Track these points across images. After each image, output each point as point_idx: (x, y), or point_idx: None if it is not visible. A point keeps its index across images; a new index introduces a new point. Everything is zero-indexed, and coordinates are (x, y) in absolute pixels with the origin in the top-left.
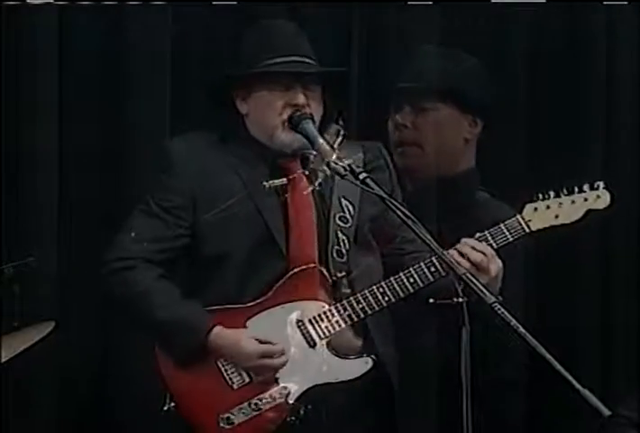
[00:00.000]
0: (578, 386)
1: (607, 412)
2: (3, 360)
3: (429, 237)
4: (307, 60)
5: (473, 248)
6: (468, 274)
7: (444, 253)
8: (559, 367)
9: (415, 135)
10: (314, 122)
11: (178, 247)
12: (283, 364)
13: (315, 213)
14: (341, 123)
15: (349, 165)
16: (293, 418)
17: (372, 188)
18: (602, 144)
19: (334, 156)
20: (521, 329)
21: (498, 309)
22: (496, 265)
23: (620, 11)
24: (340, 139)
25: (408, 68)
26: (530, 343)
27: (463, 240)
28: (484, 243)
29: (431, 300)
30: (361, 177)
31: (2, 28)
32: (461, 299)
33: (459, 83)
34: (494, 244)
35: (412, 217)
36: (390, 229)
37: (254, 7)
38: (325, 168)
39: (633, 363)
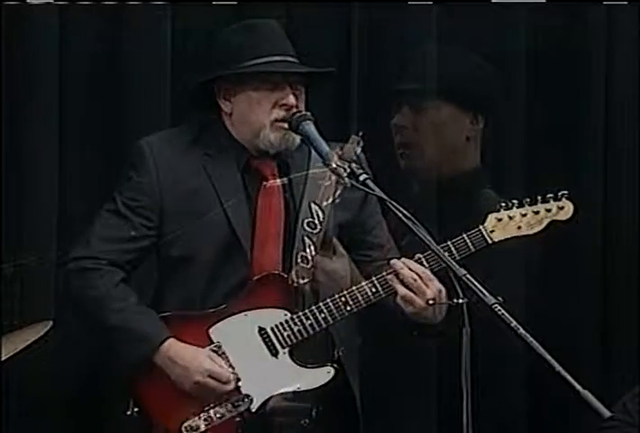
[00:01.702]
0: (578, 387)
1: (607, 414)
2: (3, 358)
3: (429, 239)
4: (293, 59)
5: (410, 269)
6: (468, 275)
7: (445, 254)
8: (559, 368)
9: (415, 136)
10: (315, 123)
11: (144, 248)
12: (224, 393)
13: (284, 218)
14: (360, 133)
15: (349, 167)
16: (307, 420)
17: (373, 190)
18: (601, 144)
19: (336, 158)
20: (521, 331)
21: (499, 311)
22: (432, 288)
23: (620, 11)
24: (359, 149)
25: (408, 68)
26: (530, 344)
27: (402, 260)
28: (422, 266)
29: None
30: (361, 178)
31: (2, 28)
32: (461, 301)
33: (458, 81)
34: (456, 255)
35: (412, 219)
36: (360, 235)
37: (254, 7)
38: (340, 179)
39: (633, 363)
